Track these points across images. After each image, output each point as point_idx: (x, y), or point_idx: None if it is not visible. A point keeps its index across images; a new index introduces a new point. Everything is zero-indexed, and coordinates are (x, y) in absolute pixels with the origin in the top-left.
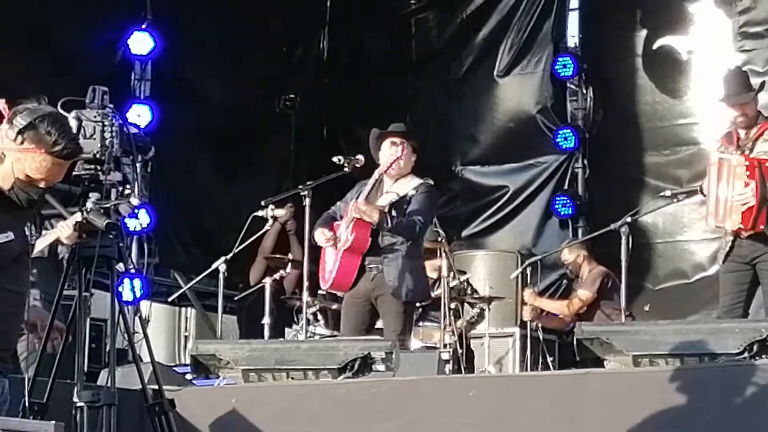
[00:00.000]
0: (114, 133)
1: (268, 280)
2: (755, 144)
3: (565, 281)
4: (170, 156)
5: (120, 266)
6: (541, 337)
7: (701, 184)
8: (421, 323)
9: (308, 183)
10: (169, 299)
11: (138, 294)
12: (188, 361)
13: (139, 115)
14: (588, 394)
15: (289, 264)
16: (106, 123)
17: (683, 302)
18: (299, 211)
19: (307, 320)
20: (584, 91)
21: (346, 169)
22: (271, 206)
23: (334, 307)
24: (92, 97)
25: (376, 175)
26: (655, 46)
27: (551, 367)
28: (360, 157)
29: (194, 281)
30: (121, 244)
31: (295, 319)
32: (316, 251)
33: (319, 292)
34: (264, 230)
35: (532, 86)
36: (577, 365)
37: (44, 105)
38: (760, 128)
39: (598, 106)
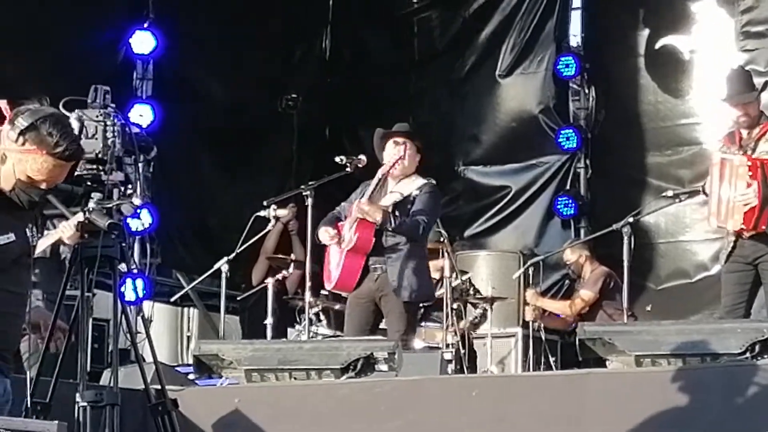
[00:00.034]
0: (116, 133)
1: (270, 281)
2: (758, 144)
3: (567, 281)
4: (172, 156)
5: (122, 266)
6: (543, 338)
7: (703, 184)
8: (423, 323)
9: (310, 183)
10: (172, 299)
11: (140, 294)
12: (191, 361)
13: (141, 114)
14: (590, 394)
15: (292, 264)
16: (108, 123)
17: (685, 302)
18: (301, 211)
19: (310, 320)
20: (586, 91)
21: (348, 169)
22: (273, 206)
23: (337, 307)
24: (94, 97)
25: (379, 174)
26: (657, 46)
27: (553, 367)
28: (362, 157)
29: (197, 281)
30: (123, 244)
31: (298, 319)
32: (318, 251)
33: (322, 292)
34: (266, 230)
35: (534, 86)
36: (579, 365)
37: (46, 106)
38: (762, 128)
39: (601, 106)
